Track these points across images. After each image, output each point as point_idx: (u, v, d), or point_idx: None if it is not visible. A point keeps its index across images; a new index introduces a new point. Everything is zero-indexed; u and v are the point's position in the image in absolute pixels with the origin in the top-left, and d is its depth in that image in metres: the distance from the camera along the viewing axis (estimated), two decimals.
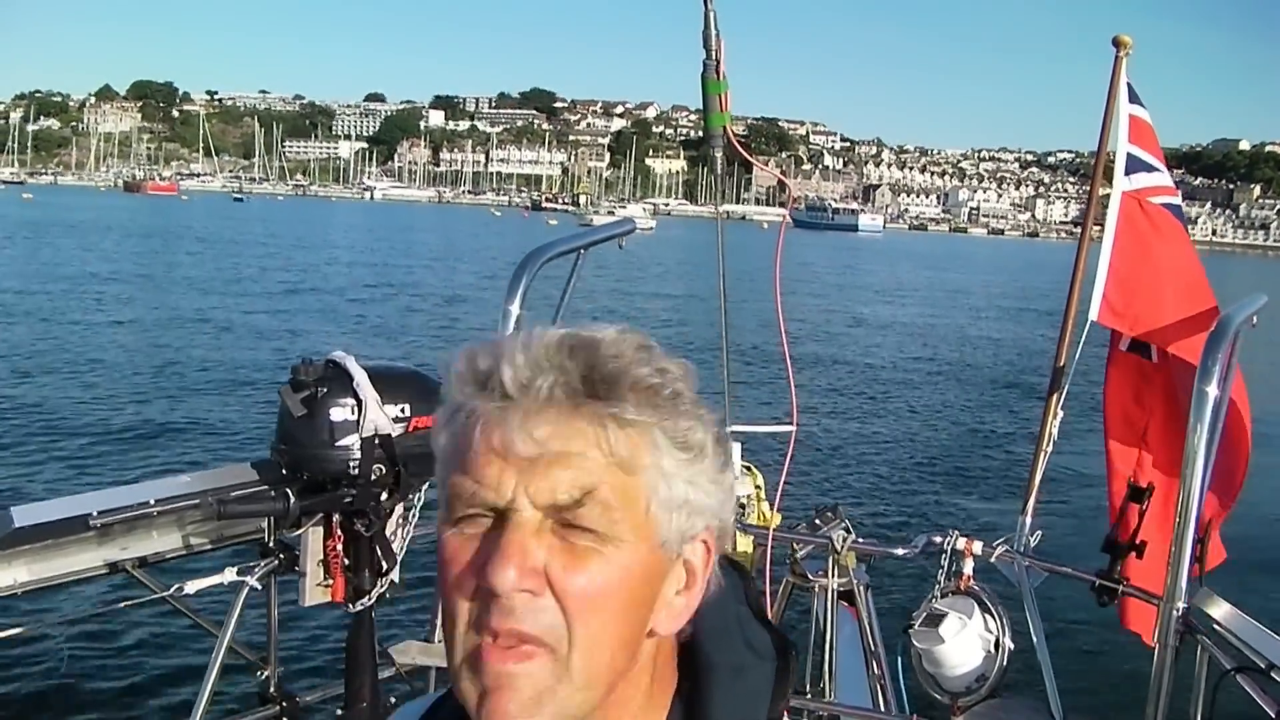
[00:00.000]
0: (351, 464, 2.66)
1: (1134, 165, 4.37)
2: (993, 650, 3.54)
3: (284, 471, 2.73)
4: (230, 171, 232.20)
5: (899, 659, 3.77)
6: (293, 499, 2.70)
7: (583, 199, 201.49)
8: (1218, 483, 4.03)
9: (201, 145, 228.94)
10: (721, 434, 0.95)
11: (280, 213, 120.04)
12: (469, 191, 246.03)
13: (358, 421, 2.65)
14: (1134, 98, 4.42)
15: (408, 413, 2.75)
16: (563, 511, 0.86)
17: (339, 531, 2.82)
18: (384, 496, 2.78)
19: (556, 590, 0.86)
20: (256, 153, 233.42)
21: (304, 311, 31.27)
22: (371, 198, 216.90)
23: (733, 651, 1.00)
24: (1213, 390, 3.05)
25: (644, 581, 0.90)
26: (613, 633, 0.88)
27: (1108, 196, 4.42)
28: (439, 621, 3.61)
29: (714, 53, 3.41)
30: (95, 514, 2.60)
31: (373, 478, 2.70)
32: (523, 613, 0.85)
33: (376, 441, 2.67)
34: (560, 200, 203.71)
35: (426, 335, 26.96)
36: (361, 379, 2.68)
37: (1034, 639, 3.45)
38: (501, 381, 0.87)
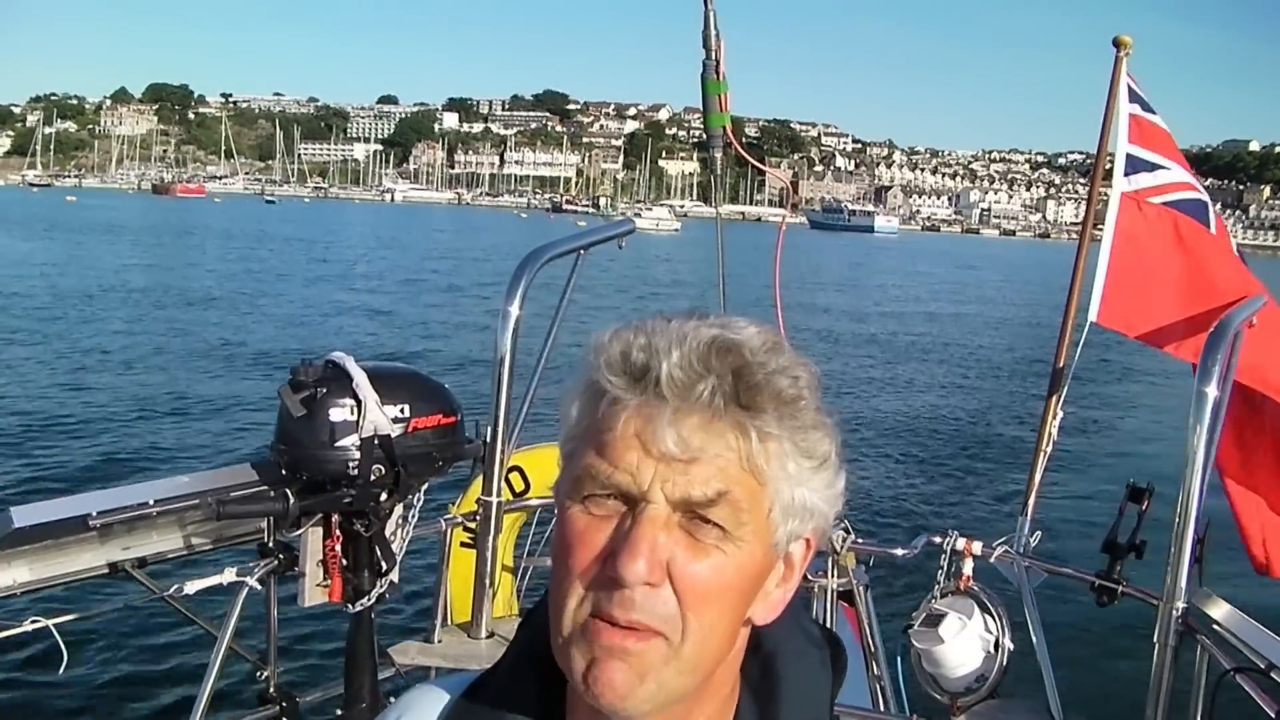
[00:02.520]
0: (351, 464, 2.67)
1: (1134, 166, 4.34)
2: (992, 650, 3.53)
3: (283, 472, 2.74)
4: (249, 174, 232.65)
5: (899, 659, 3.77)
6: (292, 499, 2.71)
7: (602, 200, 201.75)
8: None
9: (222, 148, 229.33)
10: (839, 439, 0.98)
11: (316, 215, 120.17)
12: (487, 194, 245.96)
13: (357, 422, 2.66)
14: (1135, 98, 4.40)
15: (407, 413, 2.76)
16: (695, 507, 0.89)
17: (338, 532, 2.83)
18: (383, 497, 2.78)
19: (676, 583, 0.89)
20: (276, 155, 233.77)
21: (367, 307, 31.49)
22: (391, 200, 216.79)
23: (793, 637, 1.05)
24: (1212, 390, 3.05)
25: (754, 578, 0.95)
26: (723, 624, 0.93)
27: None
28: (439, 621, 3.66)
29: (714, 53, 3.42)
30: (95, 514, 2.62)
31: (372, 478, 2.70)
32: (642, 603, 0.89)
33: (376, 442, 2.68)
34: (579, 202, 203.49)
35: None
36: (361, 379, 2.68)
37: (1033, 639, 3.44)
38: (658, 378, 0.90)
